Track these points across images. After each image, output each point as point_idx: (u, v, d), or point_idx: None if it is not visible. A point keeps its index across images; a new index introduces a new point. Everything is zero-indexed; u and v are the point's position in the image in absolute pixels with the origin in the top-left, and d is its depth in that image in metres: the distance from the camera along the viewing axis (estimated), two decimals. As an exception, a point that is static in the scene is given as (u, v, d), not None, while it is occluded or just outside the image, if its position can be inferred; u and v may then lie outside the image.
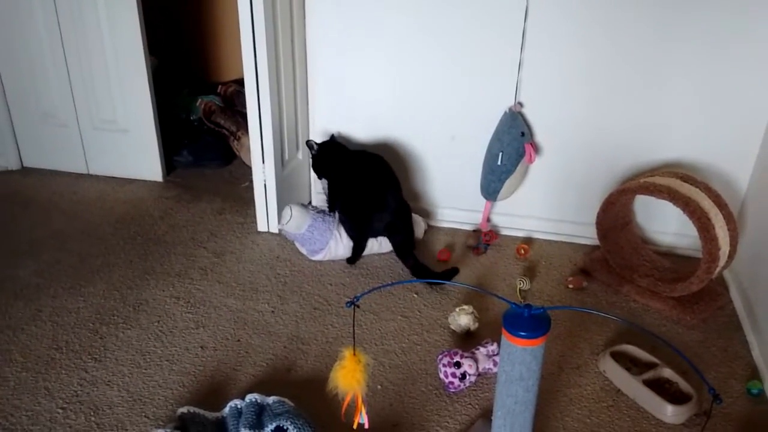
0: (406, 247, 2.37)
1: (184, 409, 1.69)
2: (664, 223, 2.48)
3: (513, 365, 1.34)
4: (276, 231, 2.58)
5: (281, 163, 2.53)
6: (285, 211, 2.39)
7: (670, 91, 2.29)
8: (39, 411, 1.72)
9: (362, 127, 2.62)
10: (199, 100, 3.30)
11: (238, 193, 2.90)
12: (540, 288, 2.29)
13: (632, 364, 1.89)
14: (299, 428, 1.59)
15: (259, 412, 1.67)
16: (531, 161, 2.40)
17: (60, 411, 1.72)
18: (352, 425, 1.50)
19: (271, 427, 1.60)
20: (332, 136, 2.53)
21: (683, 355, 1.22)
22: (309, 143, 2.49)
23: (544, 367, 1.47)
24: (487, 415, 1.72)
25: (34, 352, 1.94)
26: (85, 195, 2.89)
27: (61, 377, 1.84)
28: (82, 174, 3.07)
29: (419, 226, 2.54)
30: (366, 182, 2.38)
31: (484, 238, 2.53)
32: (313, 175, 2.70)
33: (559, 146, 2.47)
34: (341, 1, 2.43)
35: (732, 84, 2.24)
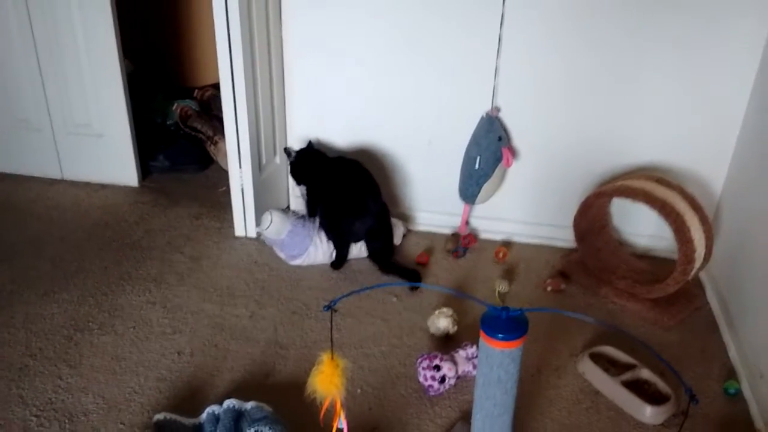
0: (384, 253, 2.37)
1: (160, 416, 1.68)
2: (641, 226, 2.49)
3: (491, 368, 1.34)
4: (254, 236, 2.56)
5: (258, 167, 2.51)
6: (265, 217, 2.37)
7: (645, 96, 2.31)
8: (12, 419, 1.69)
9: (340, 131, 2.61)
10: (176, 104, 3.27)
11: (215, 198, 2.88)
12: (519, 291, 2.30)
13: (611, 366, 1.90)
14: (278, 434, 1.58)
15: (237, 417, 1.66)
16: (508, 165, 2.41)
17: (34, 419, 1.70)
18: (331, 430, 1.49)
19: (249, 432, 1.59)
20: (310, 143, 2.52)
21: (658, 355, 1.23)
22: (287, 150, 2.48)
23: (523, 369, 1.47)
24: (466, 417, 1.71)
25: (7, 359, 1.91)
26: (60, 200, 2.84)
27: (35, 384, 1.81)
28: (56, 179, 3.02)
29: (398, 230, 2.54)
30: (346, 188, 2.37)
31: (462, 242, 2.53)
32: (291, 179, 2.69)
33: (536, 150, 2.48)
34: (318, 6, 2.42)
35: (707, 88, 2.26)
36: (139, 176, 2.98)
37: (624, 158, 2.42)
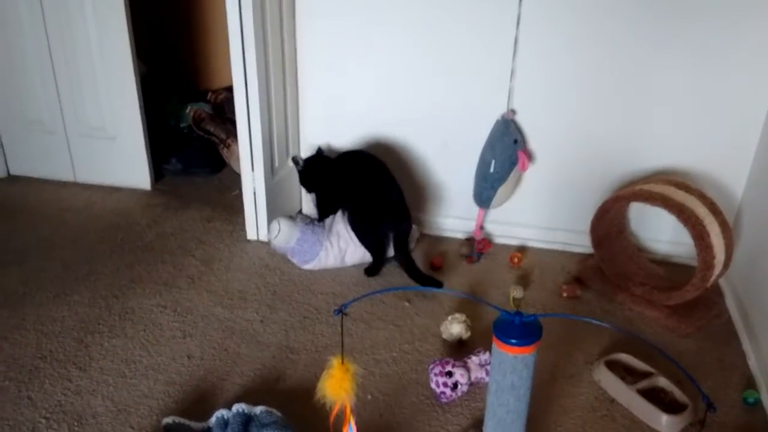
0: (406, 237, 2.35)
1: (169, 420, 1.66)
2: (659, 231, 2.46)
3: (504, 374, 1.31)
4: (265, 240, 2.55)
5: (271, 170, 2.50)
6: (273, 226, 2.36)
7: (664, 99, 2.28)
8: (21, 421, 1.68)
9: (354, 133, 2.60)
10: (189, 107, 3.28)
11: (228, 202, 2.87)
12: (534, 297, 2.26)
13: (627, 374, 1.86)
14: (287, 439, 1.56)
15: (246, 422, 1.64)
16: (524, 169, 2.38)
17: (43, 421, 1.69)
18: (341, 436, 1.47)
19: (258, 437, 1.57)
20: (319, 149, 2.50)
21: (675, 362, 1.19)
22: (295, 159, 2.46)
23: (538, 376, 1.44)
24: (478, 425, 1.68)
25: (18, 361, 1.90)
26: (72, 203, 2.85)
27: (45, 387, 1.80)
28: (69, 182, 3.03)
29: (412, 234, 2.51)
30: (366, 190, 2.35)
31: (477, 247, 2.50)
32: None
33: (552, 154, 2.45)
34: (332, 9, 2.41)
35: (726, 91, 2.23)
36: (151, 179, 2.98)
37: (642, 162, 2.38)
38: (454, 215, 2.63)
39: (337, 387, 1.37)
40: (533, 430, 1.66)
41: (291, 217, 2.39)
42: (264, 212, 2.51)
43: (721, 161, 2.32)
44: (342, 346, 1.41)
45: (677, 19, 2.16)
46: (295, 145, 2.67)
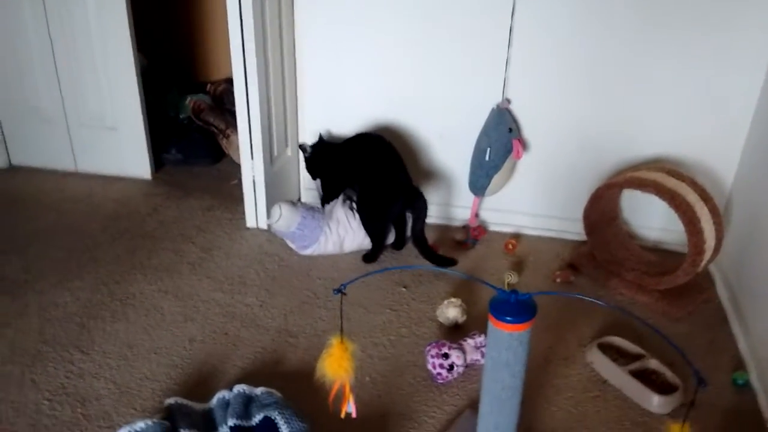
0: (424, 216, 2.39)
1: (171, 401, 1.69)
2: (651, 219, 2.49)
3: (500, 351, 1.34)
4: (265, 227, 2.58)
5: (270, 159, 2.53)
6: (274, 210, 2.39)
7: (656, 87, 2.32)
8: (25, 403, 1.71)
9: (351, 123, 2.63)
10: (189, 98, 3.30)
11: (227, 191, 2.90)
12: (528, 282, 2.30)
13: (619, 356, 1.90)
14: (287, 419, 1.59)
15: (247, 402, 1.67)
16: (518, 157, 2.42)
17: (46, 402, 1.72)
18: (340, 414, 1.50)
19: (259, 417, 1.61)
20: (320, 136, 2.53)
21: (668, 339, 1.23)
22: (302, 147, 2.50)
23: (532, 358, 1.47)
24: (474, 405, 1.71)
25: (21, 345, 1.93)
26: (73, 192, 2.88)
27: (48, 370, 1.83)
28: (70, 172, 3.06)
29: (409, 222, 2.54)
30: (372, 173, 2.39)
31: (472, 234, 2.54)
32: (302, 171, 2.71)
33: (546, 142, 2.48)
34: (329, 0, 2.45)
35: (718, 80, 2.26)
36: (152, 169, 3.01)
37: (634, 150, 2.42)
38: (449, 203, 2.67)
39: (336, 366, 1.40)
40: (527, 410, 1.70)
41: (292, 203, 2.42)
42: (263, 200, 2.54)
43: (713, 149, 2.36)
44: (341, 326, 1.45)
45: (670, 7, 2.20)
46: (294, 135, 2.71)
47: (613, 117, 2.39)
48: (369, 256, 2.41)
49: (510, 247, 2.48)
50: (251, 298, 2.18)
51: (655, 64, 2.28)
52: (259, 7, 2.27)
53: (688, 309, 2.13)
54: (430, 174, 2.65)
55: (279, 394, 1.70)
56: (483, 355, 1.84)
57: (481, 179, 2.44)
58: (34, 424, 1.65)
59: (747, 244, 2.14)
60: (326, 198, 2.49)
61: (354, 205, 2.46)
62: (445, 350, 1.81)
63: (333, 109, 2.63)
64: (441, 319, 2.05)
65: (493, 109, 2.42)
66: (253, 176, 2.51)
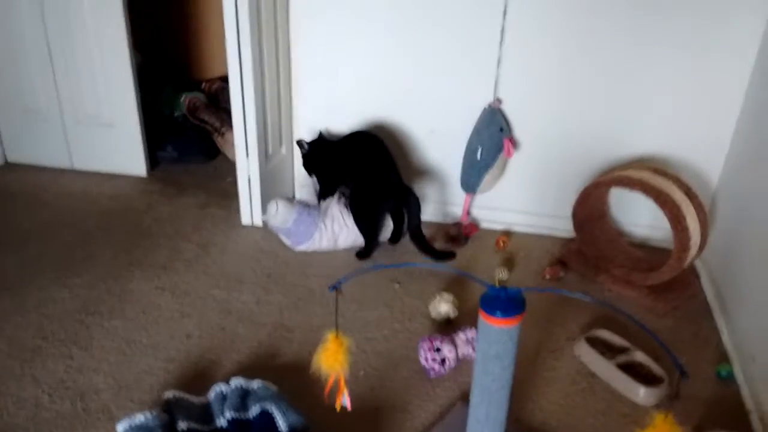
0: (418, 211, 2.43)
1: (169, 394, 1.72)
2: (638, 216, 2.54)
3: (490, 345, 1.38)
4: (260, 224, 2.61)
5: (265, 157, 2.57)
6: (271, 206, 2.42)
7: (644, 87, 2.36)
8: (25, 397, 1.74)
9: (343, 121, 2.66)
10: (184, 96, 3.32)
11: (222, 188, 2.93)
12: (518, 278, 2.34)
13: (606, 349, 1.94)
14: (283, 412, 1.62)
15: (244, 395, 1.71)
16: (509, 155, 2.46)
17: (46, 397, 1.75)
18: (335, 407, 1.53)
19: (256, 410, 1.64)
20: (320, 134, 2.56)
21: (652, 333, 1.27)
22: (300, 143, 2.53)
23: (522, 351, 1.52)
24: (466, 397, 1.76)
25: (20, 341, 1.95)
26: (70, 189, 2.90)
27: (47, 365, 1.86)
28: (66, 169, 3.08)
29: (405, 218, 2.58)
30: (364, 172, 2.42)
31: (464, 231, 2.58)
32: (297, 169, 2.74)
33: (537, 141, 2.52)
34: (324, -2, 2.48)
35: (703, 79, 2.31)
36: (147, 166, 3.04)
37: (623, 149, 2.46)
38: (441, 200, 2.71)
39: (331, 359, 1.44)
40: (517, 402, 1.74)
41: (288, 199, 2.46)
42: (258, 198, 2.57)
43: (699, 148, 2.41)
44: (336, 321, 1.48)
45: (659, 11, 2.24)
46: (288, 132, 2.74)
47: (601, 117, 2.43)
48: (362, 253, 2.45)
49: (501, 243, 2.52)
50: (247, 294, 2.21)
51: (644, 67, 2.32)
52: (255, 5, 2.30)
53: (674, 304, 2.18)
54: (422, 172, 2.69)
55: (275, 388, 1.73)
56: (474, 349, 1.88)
57: (472, 177, 2.48)
58: (34, 417, 1.68)
59: (732, 241, 2.19)
60: (323, 194, 2.53)
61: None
62: (437, 344, 1.85)
63: (327, 107, 2.66)
64: (433, 315, 2.09)
65: (484, 109, 2.45)
66: (249, 174, 2.54)
